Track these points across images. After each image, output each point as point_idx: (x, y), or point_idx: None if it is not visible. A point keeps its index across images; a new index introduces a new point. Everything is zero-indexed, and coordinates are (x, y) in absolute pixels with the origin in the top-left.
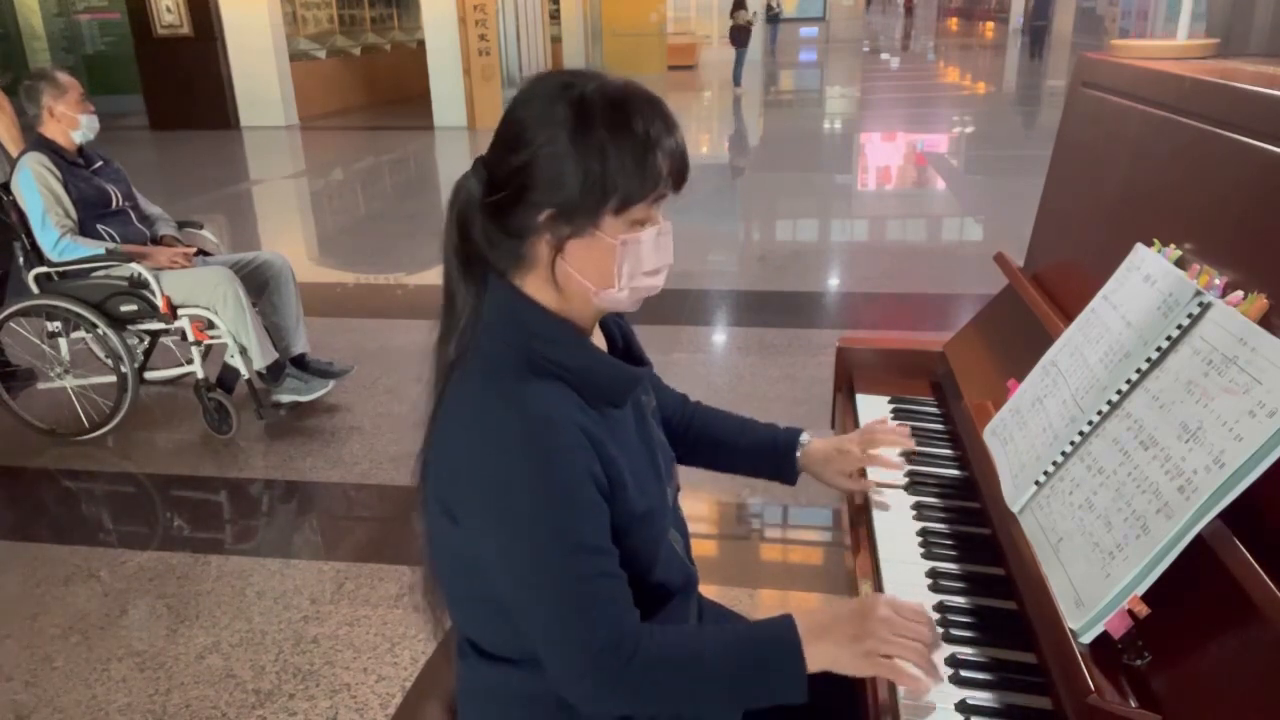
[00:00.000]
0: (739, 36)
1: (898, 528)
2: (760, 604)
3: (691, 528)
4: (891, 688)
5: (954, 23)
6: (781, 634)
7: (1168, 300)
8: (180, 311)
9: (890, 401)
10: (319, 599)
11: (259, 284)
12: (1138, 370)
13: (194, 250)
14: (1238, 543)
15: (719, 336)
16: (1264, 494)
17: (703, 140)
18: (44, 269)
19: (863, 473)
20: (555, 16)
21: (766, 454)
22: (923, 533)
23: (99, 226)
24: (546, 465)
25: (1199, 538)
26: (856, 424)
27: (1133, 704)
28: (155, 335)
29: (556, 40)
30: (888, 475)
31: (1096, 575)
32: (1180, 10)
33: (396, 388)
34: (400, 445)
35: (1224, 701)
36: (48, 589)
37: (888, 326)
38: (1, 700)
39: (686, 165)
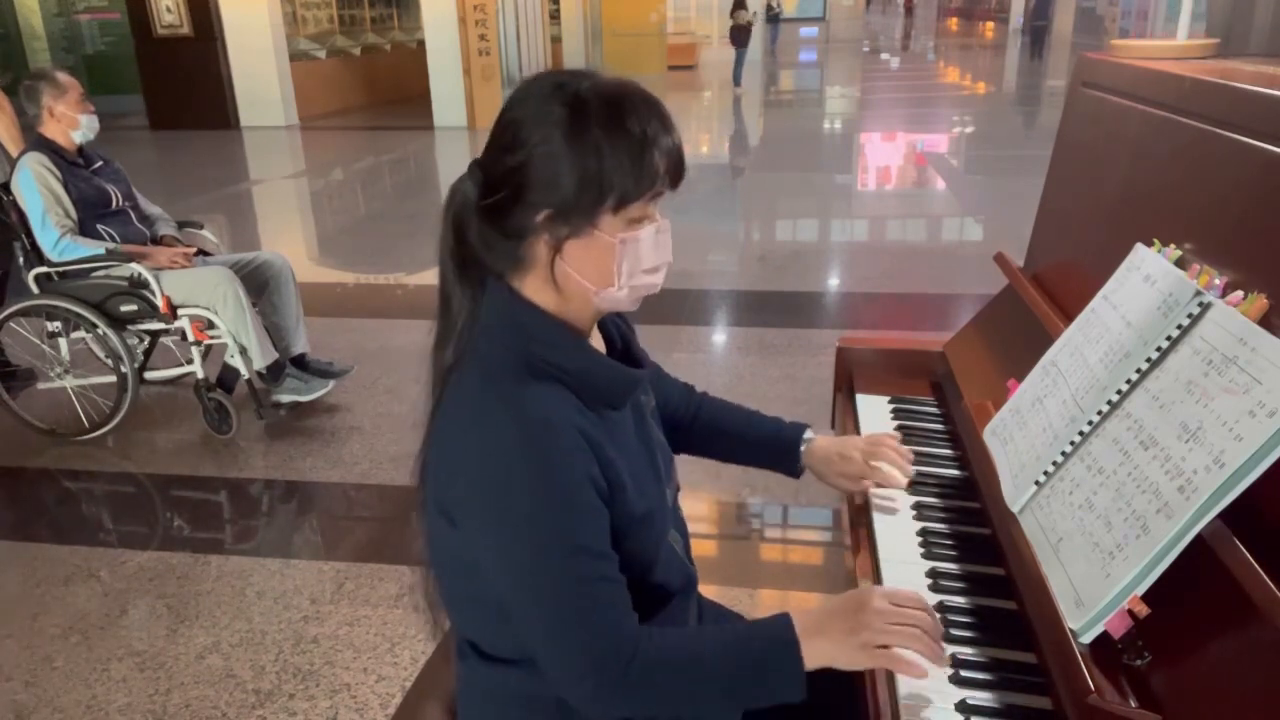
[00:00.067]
0: (739, 36)
1: (898, 528)
2: (760, 604)
3: (691, 528)
4: (891, 686)
5: (954, 23)
6: (779, 633)
7: (1168, 300)
8: (180, 311)
9: (890, 401)
10: (319, 599)
11: (259, 284)
12: (1138, 370)
13: (194, 250)
14: (1238, 543)
15: (719, 336)
16: (1264, 494)
17: (703, 140)
18: (44, 269)
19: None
20: (555, 16)
21: (772, 447)
22: (923, 533)
23: (99, 226)
24: (545, 469)
25: (1199, 538)
26: (856, 424)
27: (1133, 704)
28: (155, 335)
29: (556, 40)
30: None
31: (1096, 575)
32: (1180, 10)
33: (396, 388)
34: (400, 445)
35: (1224, 701)
36: (48, 589)
37: (888, 326)
38: (1, 700)
39: (683, 162)
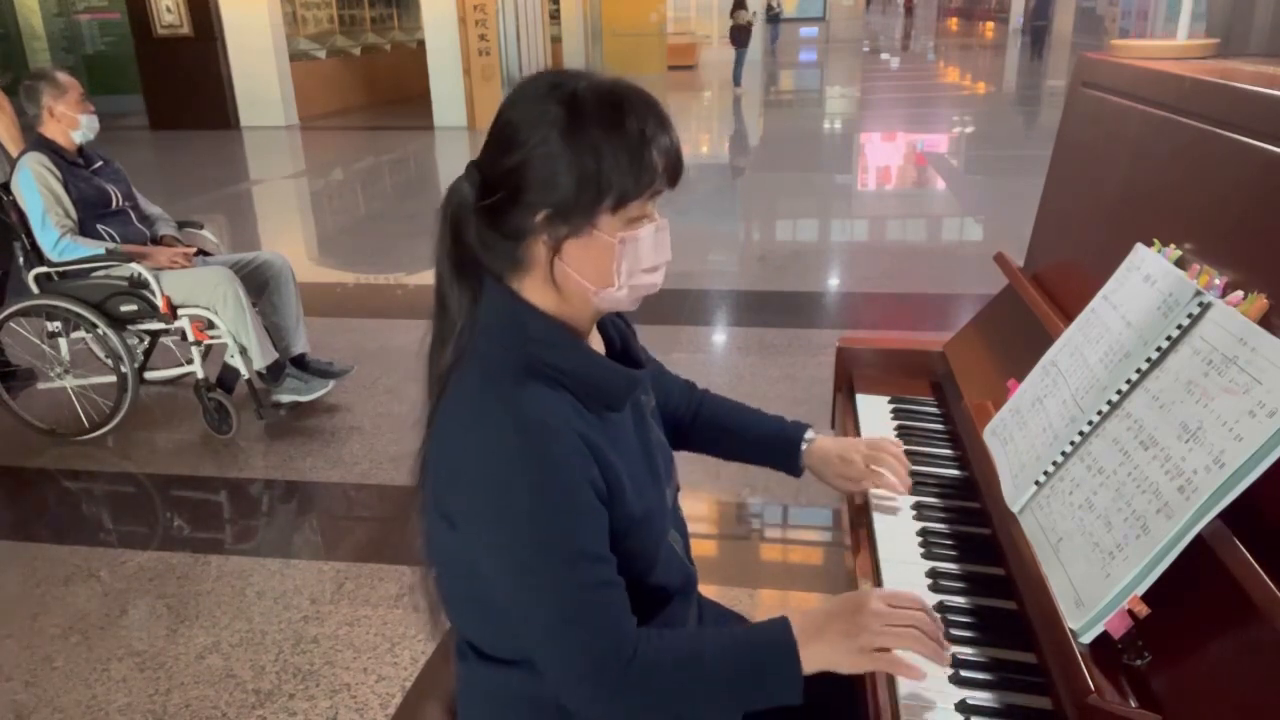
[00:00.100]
0: (739, 36)
1: (898, 528)
2: (760, 604)
3: (691, 528)
4: (891, 687)
5: (954, 23)
6: (777, 636)
7: (1168, 300)
8: (180, 311)
9: (890, 401)
10: (319, 599)
11: (259, 284)
12: (1138, 370)
13: (194, 250)
14: (1238, 543)
15: (719, 336)
16: (1264, 494)
17: (703, 140)
18: (44, 269)
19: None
20: (555, 16)
21: (773, 446)
22: (923, 533)
23: (99, 226)
24: (544, 472)
25: (1199, 538)
26: (856, 424)
27: (1133, 704)
28: (155, 335)
29: (556, 40)
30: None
31: (1096, 575)
32: (1180, 10)
33: (396, 388)
34: (400, 445)
35: (1224, 701)
36: (48, 589)
37: (888, 326)
38: (1, 700)
39: (681, 160)
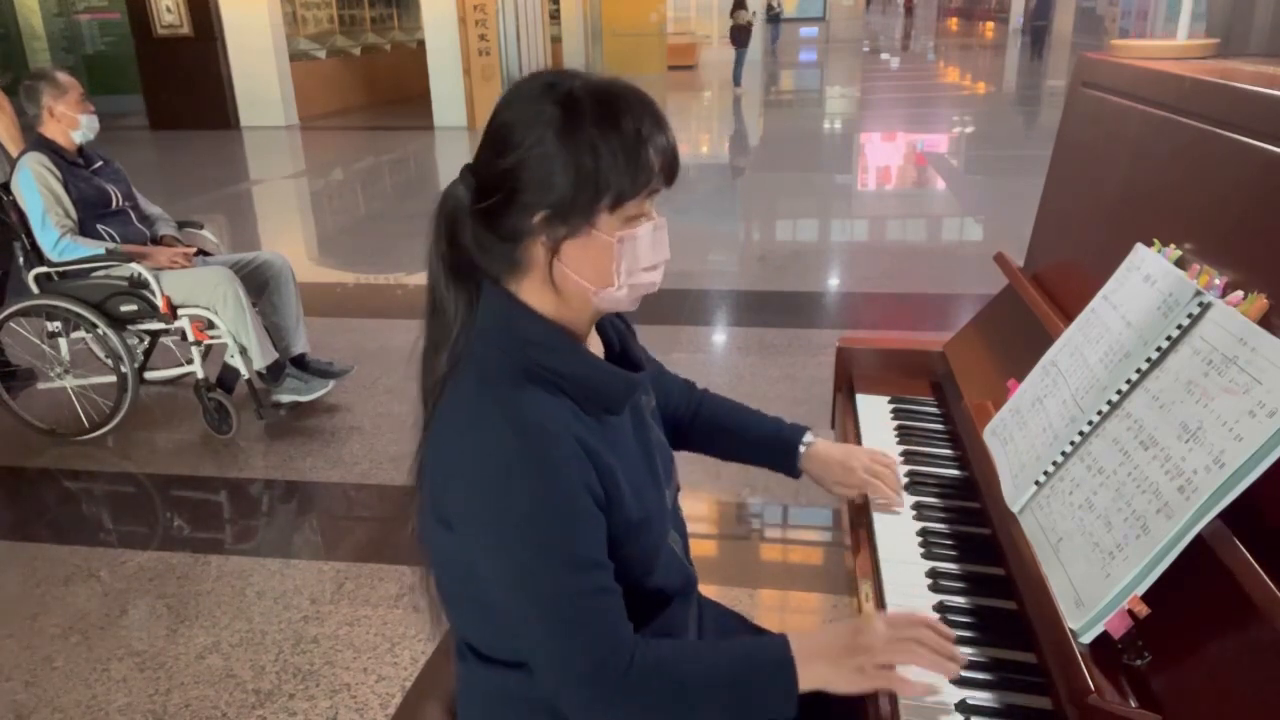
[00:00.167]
0: (739, 36)
1: (898, 528)
2: (760, 604)
3: (691, 528)
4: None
5: (954, 23)
6: (776, 652)
7: (1168, 300)
8: (180, 311)
9: (890, 401)
10: (319, 599)
11: (259, 284)
12: (1138, 370)
13: (194, 250)
14: (1238, 543)
15: (719, 336)
16: (1264, 494)
17: (703, 140)
18: (44, 269)
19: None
20: (555, 16)
21: (771, 447)
22: (923, 533)
23: (99, 226)
24: (541, 477)
25: (1199, 538)
26: (856, 424)
27: (1133, 704)
28: (155, 335)
29: (556, 40)
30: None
31: (1096, 575)
32: (1180, 10)
33: (396, 388)
34: (400, 445)
35: (1224, 701)
36: (48, 589)
37: (888, 326)
38: (1, 700)
39: (677, 158)
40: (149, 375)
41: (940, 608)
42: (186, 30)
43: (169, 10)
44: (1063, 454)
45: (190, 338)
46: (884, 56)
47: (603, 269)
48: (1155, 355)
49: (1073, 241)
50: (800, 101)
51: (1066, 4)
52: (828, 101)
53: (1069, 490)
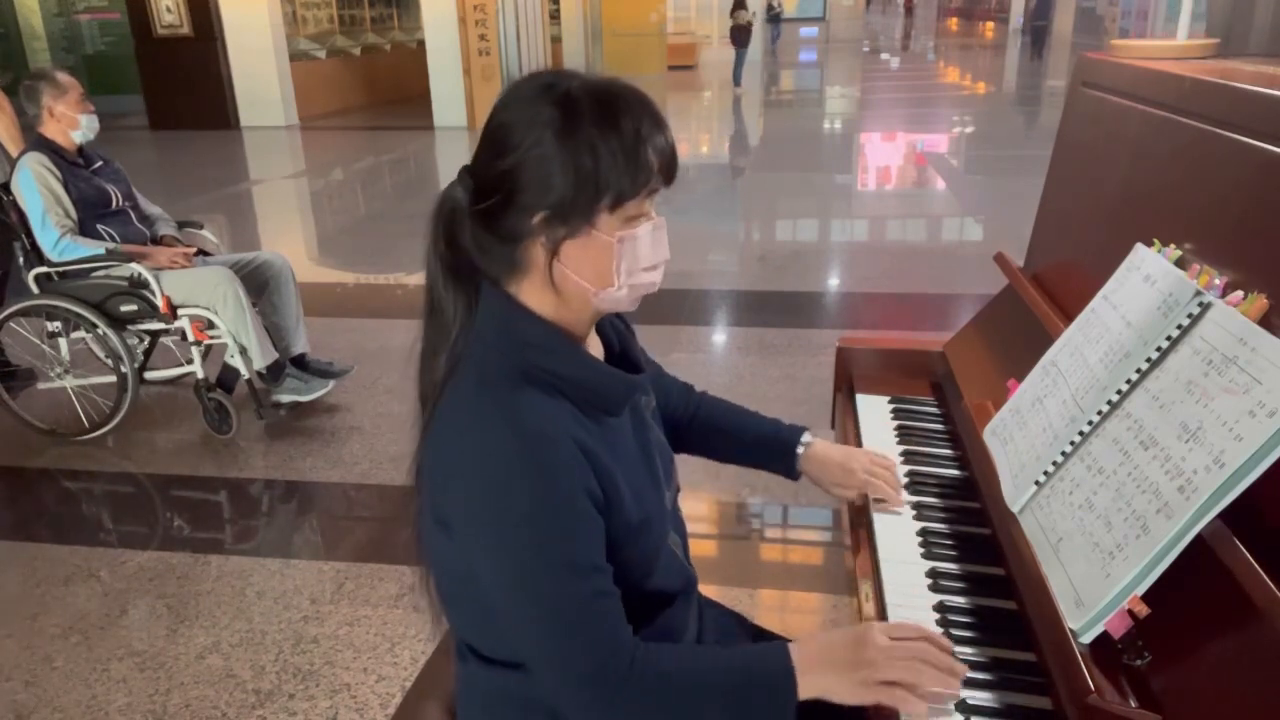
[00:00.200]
0: (739, 36)
1: (898, 528)
2: (760, 604)
3: (691, 528)
4: None
5: (954, 23)
6: (777, 661)
7: (1168, 300)
8: (180, 311)
9: (890, 401)
10: (319, 599)
11: (259, 284)
12: (1138, 370)
13: (194, 250)
14: (1238, 543)
15: (719, 336)
16: (1264, 494)
17: (703, 140)
18: (44, 269)
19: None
20: (555, 16)
21: (769, 448)
22: (923, 533)
23: (99, 226)
24: (541, 480)
25: (1199, 538)
26: (856, 424)
27: (1133, 704)
28: (155, 335)
29: (556, 40)
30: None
31: (1096, 575)
32: (1180, 10)
33: (396, 388)
34: (400, 445)
35: (1224, 701)
36: (48, 589)
37: (888, 326)
38: (1, 700)
39: (676, 158)
40: (149, 375)
41: (940, 608)
42: (186, 30)
43: (169, 10)
44: (1063, 454)
45: (190, 338)
46: (884, 56)
47: (603, 269)
48: (1155, 355)
49: (1073, 241)
50: (800, 101)
51: (1066, 4)
52: (828, 101)
53: (1069, 490)
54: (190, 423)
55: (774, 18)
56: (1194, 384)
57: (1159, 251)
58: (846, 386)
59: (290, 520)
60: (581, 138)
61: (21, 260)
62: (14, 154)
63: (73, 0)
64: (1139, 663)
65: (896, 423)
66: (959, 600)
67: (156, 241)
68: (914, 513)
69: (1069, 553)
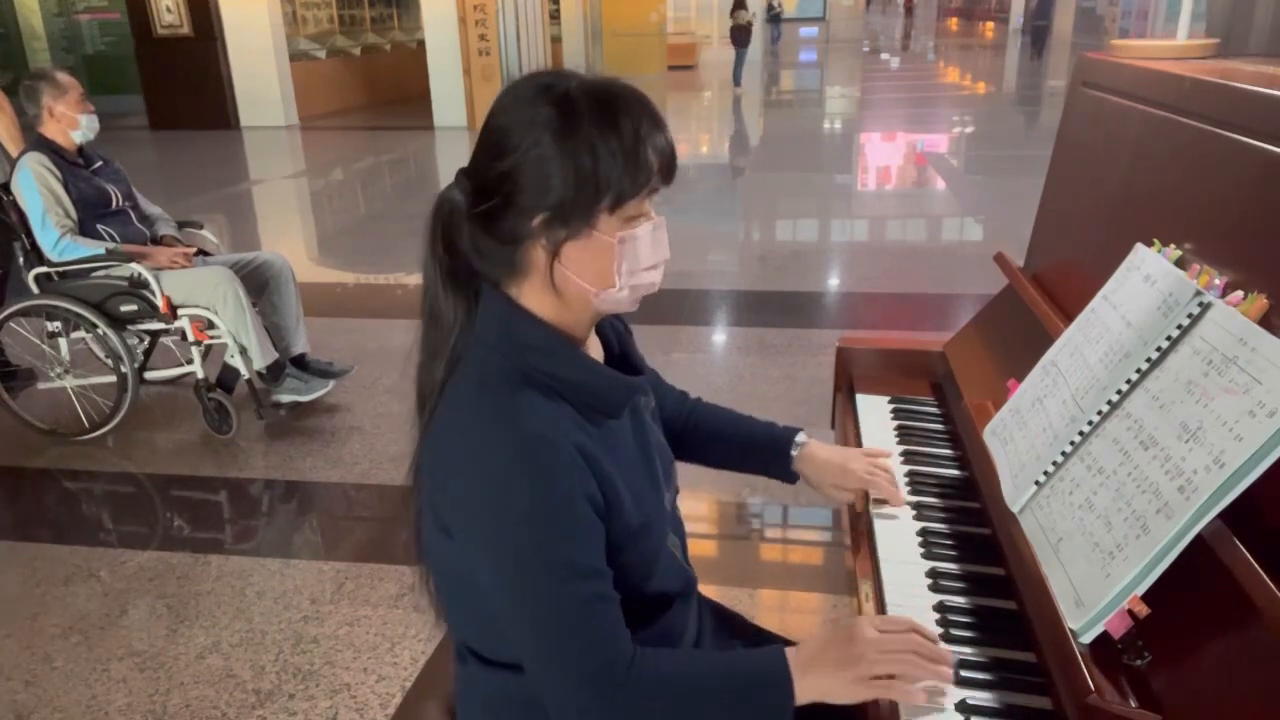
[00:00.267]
0: (739, 36)
1: (898, 528)
2: (760, 604)
3: (691, 528)
4: None
5: (954, 23)
6: (772, 667)
7: (1168, 300)
8: (180, 311)
9: (890, 401)
10: (319, 599)
11: (259, 284)
12: (1138, 370)
13: (194, 250)
14: (1238, 543)
15: (719, 336)
16: (1264, 494)
17: (703, 140)
18: (44, 269)
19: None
20: (555, 16)
21: (763, 450)
22: (923, 533)
23: (99, 226)
24: (540, 482)
25: (1199, 538)
26: (856, 424)
27: (1133, 704)
28: (155, 335)
29: (556, 40)
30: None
31: (1096, 575)
32: (1180, 10)
33: (396, 388)
34: (400, 445)
35: (1224, 701)
36: (48, 589)
37: (888, 326)
38: (1, 700)
39: (675, 157)
40: (149, 375)
41: (940, 607)
42: (186, 30)
43: (169, 10)
44: (1063, 454)
45: (190, 338)
46: (884, 56)
47: (604, 270)
48: (1155, 355)
49: (1073, 241)
50: (800, 101)
51: (1066, 4)
52: (828, 101)
53: (1069, 490)
54: (190, 423)
55: (774, 18)
56: (1194, 384)
57: (1159, 251)
58: (846, 386)
59: (290, 520)
60: (581, 138)
61: (21, 260)
62: (14, 154)
63: (73, 0)
64: (1139, 663)
65: (896, 423)
66: (959, 600)
67: (156, 241)
68: (914, 513)
69: (1069, 553)
